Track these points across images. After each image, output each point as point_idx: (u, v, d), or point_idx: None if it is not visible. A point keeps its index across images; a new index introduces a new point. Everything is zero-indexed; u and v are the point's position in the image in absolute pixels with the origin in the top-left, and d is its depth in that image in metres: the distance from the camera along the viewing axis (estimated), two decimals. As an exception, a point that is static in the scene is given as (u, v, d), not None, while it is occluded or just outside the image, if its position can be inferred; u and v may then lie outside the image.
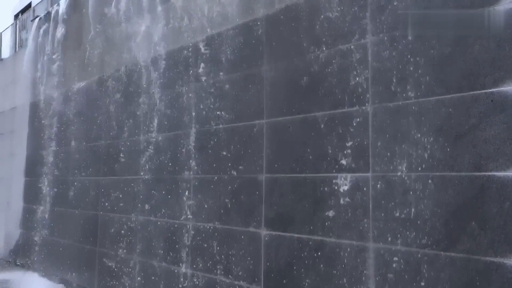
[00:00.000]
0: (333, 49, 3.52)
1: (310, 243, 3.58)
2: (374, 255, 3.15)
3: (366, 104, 3.29)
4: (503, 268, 2.52)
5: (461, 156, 2.76)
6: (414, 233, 2.94)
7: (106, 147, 6.31)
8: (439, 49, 2.90)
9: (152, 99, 5.49)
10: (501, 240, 2.54)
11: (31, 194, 8.29)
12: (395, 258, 3.02)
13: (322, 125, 3.58)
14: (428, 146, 2.91)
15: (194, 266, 4.68)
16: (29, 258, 8.13)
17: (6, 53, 11.14)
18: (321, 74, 3.61)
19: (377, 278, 3.12)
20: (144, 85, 5.65)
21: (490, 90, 2.65)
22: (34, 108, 8.47)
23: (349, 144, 3.38)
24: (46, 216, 7.68)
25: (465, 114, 2.76)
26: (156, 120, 5.41)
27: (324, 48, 3.59)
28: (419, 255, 2.90)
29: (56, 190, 7.47)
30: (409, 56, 3.05)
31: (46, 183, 7.81)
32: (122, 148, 5.97)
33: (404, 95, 3.07)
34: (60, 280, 7.10)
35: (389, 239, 3.07)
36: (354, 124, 3.36)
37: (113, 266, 5.92)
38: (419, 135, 2.97)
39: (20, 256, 8.50)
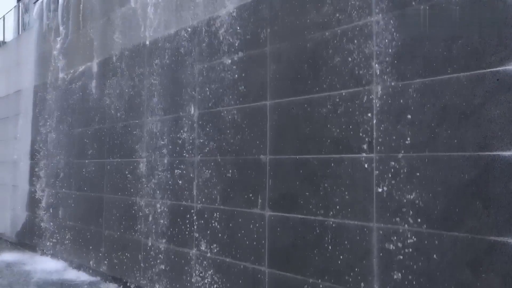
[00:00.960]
0: (338, 28, 3.49)
1: (314, 224, 3.60)
2: (378, 235, 3.16)
3: (371, 84, 3.27)
4: (507, 247, 2.52)
5: (466, 136, 2.74)
6: (418, 213, 2.94)
7: (110, 129, 6.31)
8: (445, 27, 2.87)
9: (156, 81, 5.48)
10: (505, 219, 2.54)
11: (37, 177, 8.33)
12: (399, 238, 3.03)
13: (326, 106, 3.56)
14: (433, 126, 2.90)
15: (200, 247, 4.71)
16: (36, 239, 8.21)
17: (9, 36, 11.11)
18: (326, 54, 3.58)
19: (381, 258, 3.13)
20: (147, 67, 5.63)
21: (496, 69, 2.63)
22: (38, 91, 8.47)
23: (353, 124, 3.37)
24: (52, 198, 7.73)
25: (470, 93, 2.74)
26: (159, 102, 5.41)
27: (328, 27, 3.56)
28: (423, 235, 2.90)
29: (61, 172, 7.50)
30: (414, 35, 3.01)
31: (51, 166, 7.84)
32: (126, 131, 5.97)
33: (409, 74, 3.04)
34: (67, 261, 7.18)
35: (393, 219, 3.07)
36: (358, 105, 3.34)
37: (119, 247, 5.97)
38: (424, 115, 2.95)
39: (27, 237, 8.59)
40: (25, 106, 8.91)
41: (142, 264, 5.52)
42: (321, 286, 3.52)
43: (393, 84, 3.13)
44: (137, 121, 5.78)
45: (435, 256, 2.84)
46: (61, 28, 7.71)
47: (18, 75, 9.38)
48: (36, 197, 8.29)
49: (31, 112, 8.70)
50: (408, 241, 2.98)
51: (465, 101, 2.76)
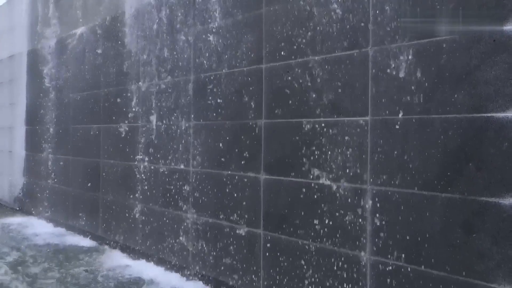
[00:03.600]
0: (334, -11, 3.44)
1: (308, 186, 3.62)
2: (372, 196, 3.19)
3: (366, 46, 3.24)
4: (498, 207, 2.55)
5: (461, 98, 2.74)
6: (411, 175, 2.96)
7: (105, 94, 6.28)
8: (442, -13, 2.83)
9: (151, 45, 5.42)
10: (497, 180, 2.56)
11: (33, 143, 8.34)
12: (392, 199, 3.06)
13: (321, 69, 3.54)
14: (428, 88, 2.89)
15: (196, 210, 4.76)
16: (33, 204, 8.28)
17: (1, 0, 10.91)
18: (320, 16, 3.53)
19: (374, 219, 3.17)
20: (143, 31, 5.56)
21: (493, 29, 2.60)
22: (32, 56, 8.38)
23: (347, 87, 3.36)
24: (49, 164, 7.76)
25: (466, 54, 2.72)
26: (154, 67, 5.37)
27: (324, -11, 3.50)
28: (416, 197, 2.93)
29: (57, 138, 7.50)
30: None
31: (47, 132, 7.83)
32: (121, 95, 5.94)
33: (404, 36, 3.02)
34: (64, 225, 7.26)
35: (387, 180, 3.10)
36: (353, 68, 3.32)
37: (117, 212, 6.03)
38: (419, 76, 2.94)
39: (25, 203, 8.65)
40: (19, 72, 8.83)
41: (138, 228, 5.58)
42: (315, 247, 3.57)
43: (389, 46, 3.10)
44: (131, 86, 5.74)
45: (427, 217, 2.87)
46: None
47: (11, 40, 9.26)
48: (33, 162, 8.31)
49: (25, 77, 8.63)
50: (401, 202, 3.01)
51: (461, 63, 2.74)
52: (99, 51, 6.41)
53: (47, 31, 7.84)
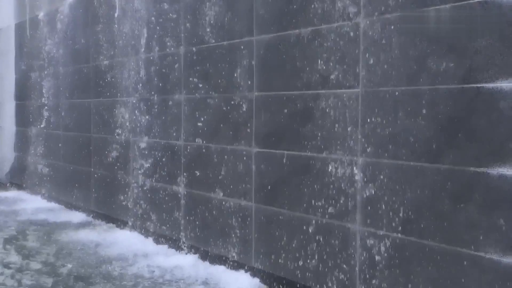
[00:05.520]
0: (325, -41, 3.39)
1: (300, 159, 3.64)
2: (362, 168, 3.21)
3: (357, 18, 3.22)
4: (486, 178, 2.57)
5: (451, 69, 2.73)
6: (401, 146, 2.97)
7: (95, 68, 6.22)
8: (434, -44, 2.79)
9: (140, 19, 5.35)
10: (486, 151, 2.58)
11: (23, 118, 8.28)
12: (382, 171, 3.08)
13: (314, 41, 3.52)
14: (418, 59, 2.88)
15: (188, 184, 4.77)
16: (25, 180, 8.26)
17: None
18: (313, -13, 3.50)
19: (365, 190, 3.19)
20: (131, 4, 5.48)
21: (484, -1, 2.58)
22: (20, 29, 8.25)
23: (339, 60, 3.34)
24: (40, 139, 7.72)
25: (457, 24, 2.70)
26: (145, 39, 5.31)
27: (315, -41, 3.45)
28: (406, 168, 2.95)
29: (48, 112, 7.45)
30: (403, -35, 2.94)
31: (37, 106, 7.77)
32: (111, 69, 5.89)
33: (397, 7, 2.99)
34: (56, 200, 7.26)
35: (377, 152, 3.11)
36: (345, 40, 3.30)
37: (109, 186, 6.03)
38: (410, 49, 2.93)
39: (16, 178, 8.63)
40: (7, 45, 8.70)
41: (130, 202, 5.59)
42: (307, 219, 3.61)
43: (381, 17, 3.07)
44: (122, 59, 5.69)
45: (416, 188, 2.90)
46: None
47: (-1, 12, 9.10)
48: (24, 137, 8.26)
49: (13, 51, 8.51)
50: (392, 174, 3.03)
51: (451, 32, 2.73)
52: (90, 22, 6.32)
53: (35, 3, 7.70)
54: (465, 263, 2.67)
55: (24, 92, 8.21)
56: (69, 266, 4.46)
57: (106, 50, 5.99)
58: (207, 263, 4.49)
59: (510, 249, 2.48)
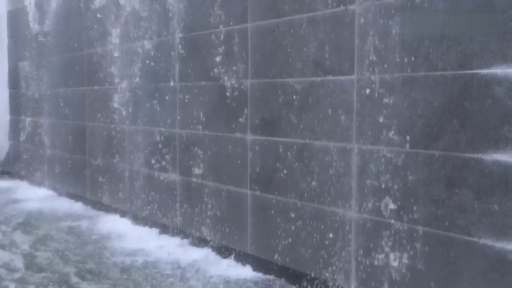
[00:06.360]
0: None
1: (295, 146, 3.64)
2: (358, 156, 3.21)
3: (353, 4, 3.20)
4: (480, 163, 2.59)
5: (446, 55, 2.73)
6: (396, 133, 2.98)
7: (89, 56, 6.17)
8: None
9: (133, 5, 5.30)
10: (480, 137, 2.59)
11: (18, 106, 8.23)
12: (377, 157, 3.09)
13: (307, 28, 3.50)
14: (413, 45, 2.87)
15: (183, 172, 4.77)
16: (20, 168, 8.24)
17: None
18: (307, -27, 3.47)
19: (360, 176, 3.20)
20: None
21: (479, -15, 2.57)
22: (13, 17, 8.17)
23: (333, 47, 3.33)
24: (34, 127, 7.68)
25: (451, 10, 2.70)
26: (139, 26, 5.27)
27: None
28: (400, 154, 2.96)
29: (42, 101, 7.41)
30: (398, -50, 2.92)
31: (31, 95, 7.72)
32: (105, 57, 5.85)
33: (391, -8, 2.98)
34: (51, 188, 7.25)
35: (372, 139, 3.12)
36: (340, 26, 3.29)
37: (104, 174, 6.02)
38: (404, 34, 2.92)
39: (11, 167, 8.61)
40: (0, 34, 8.61)
41: (126, 191, 5.59)
42: (300, 205, 3.62)
43: (376, 2, 3.06)
44: (116, 46, 5.65)
45: (411, 174, 2.91)
46: None
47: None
48: (18, 126, 8.22)
49: (6, 39, 8.43)
50: (386, 160, 3.04)
51: (447, 18, 2.72)
52: (83, 9, 6.26)
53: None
54: (459, 248, 2.69)
55: (17, 80, 8.16)
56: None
57: (99, 37, 5.94)
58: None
59: (503, 234, 2.50)
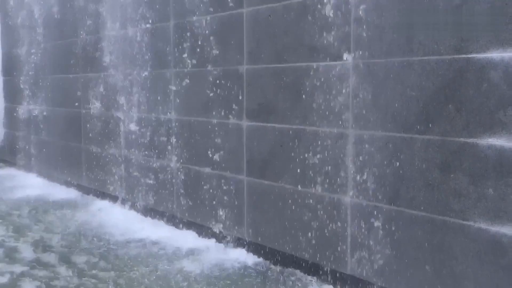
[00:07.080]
0: None
1: (291, 132, 3.64)
2: (353, 141, 3.22)
3: (349, -12, 3.18)
4: (476, 148, 2.59)
5: (442, 39, 2.72)
6: (392, 118, 2.98)
7: (83, 42, 6.13)
8: None
9: (128, -10, 5.26)
10: (475, 121, 2.59)
11: (12, 93, 8.18)
12: (373, 143, 3.10)
13: (302, 12, 3.48)
14: (411, 31, 2.86)
15: (180, 159, 4.77)
16: (15, 156, 8.22)
17: None
18: (303, -43, 3.45)
19: (356, 162, 3.21)
20: (119, -25, 5.38)
21: (476, -32, 2.56)
22: (6, 3, 8.08)
23: (330, 32, 3.32)
24: (29, 115, 7.64)
25: (448, -5, 2.69)
26: (135, 12, 5.22)
27: None
28: (396, 139, 2.97)
29: (36, 88, 7.36)
30: None
31: (26, 82, 7.67)
32: (100, 44, 5.80)
33: (387, -24, 2.96)
34: (46, 176, 7.24)
35: (368, 125, 3.12)
36: (336, 12, 3.27)
37: (100, 162, 6.01)
38: (400, 19, 2.91)
39: (7, 154, 8.58)
40: (-7, 20, 8.54)
41: (122, 178, 5.59)
42: (297, 190, 3.63)
43: (371, -13, 3.05)
44: (112, 33, 5.61)
45: (406, 159, 2.92)
46: None
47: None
48: (13, 113, 8.18)
49: (-1, 26, 8.37)
50: (381, 146, 3.05)
51: (443, 2, 2.71)
52: (75, -3, 6.21)
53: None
54: (454, 232, 2.71)
55: (11, 67, 8.10)
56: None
57: (94, 24, 5.90)
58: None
59: (498, 218, 2.52)
